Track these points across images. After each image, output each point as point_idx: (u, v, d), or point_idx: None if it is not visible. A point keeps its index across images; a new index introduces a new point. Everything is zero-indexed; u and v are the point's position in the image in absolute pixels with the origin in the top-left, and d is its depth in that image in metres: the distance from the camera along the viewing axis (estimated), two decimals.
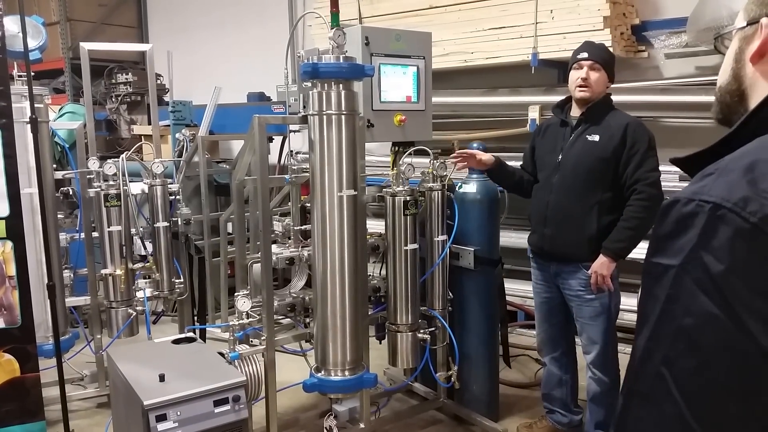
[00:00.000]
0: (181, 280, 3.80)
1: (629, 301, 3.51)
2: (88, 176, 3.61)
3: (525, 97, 4.82)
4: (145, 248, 3.81)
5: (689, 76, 4.52)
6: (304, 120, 2.87)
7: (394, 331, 3.19)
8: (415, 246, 3.14)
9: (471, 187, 3.44)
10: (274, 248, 3.10)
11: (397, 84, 3.16)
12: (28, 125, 2.99)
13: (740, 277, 0.70)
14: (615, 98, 3.08)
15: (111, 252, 3.53)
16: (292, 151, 4.41)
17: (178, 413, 2.46)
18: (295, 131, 3.85)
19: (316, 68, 2.64)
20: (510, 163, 3.40)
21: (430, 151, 3.27)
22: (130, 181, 3.59)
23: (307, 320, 3.23)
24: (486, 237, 3.46)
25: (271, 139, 5.55)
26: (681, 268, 0.75)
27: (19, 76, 3.43)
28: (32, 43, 3.41)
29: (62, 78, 7.79)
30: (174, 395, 2.48)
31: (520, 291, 4.80)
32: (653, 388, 0.77)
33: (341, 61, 2.68)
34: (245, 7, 7.28)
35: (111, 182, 3.50)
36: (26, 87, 3.08)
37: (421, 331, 3.21)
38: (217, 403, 2.55)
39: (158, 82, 6.01)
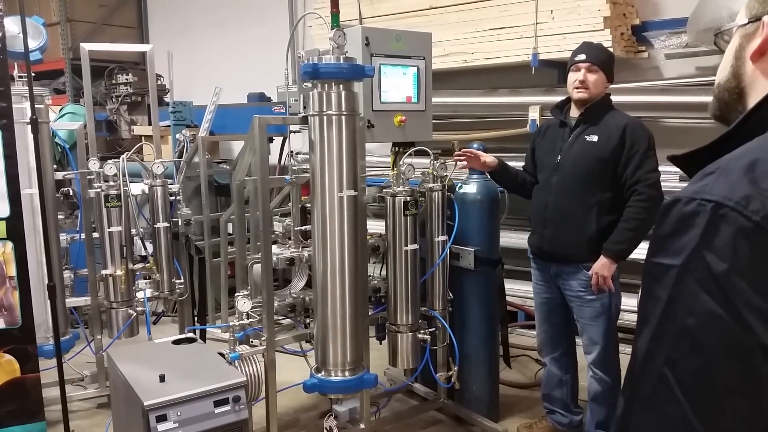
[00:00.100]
0: (182, 280, 3.80)
1: (630, 302, 3.51)
2: (88, 177, 3.61)
3: (525, 98, 4.82)
4: (145, 249, 3.81)
5: (689, 76, 4.52)
6: (305, 120, 2.87)
7: (394, 331, 3.19)
8: (416, 246, 3.14)
9: (471, 188, 3.44)
10: (275, 249, 3.10)
11: (397, 84, 3.16)
12: (29, 126, 2.98)
13: (743, 276, 0.70)
14: (615, 99, 3.08)
15: (111, 252, 3.53)
16: (292, 152, 4.42)
17: (179, 414, 2.46)
18: (295, 132, 3.85)
19: (317, 69, 2.64)
20: (510, 164, 3.41)
21: (430, 151, 3.27)
22: (130, 182, 3.60)
23: (308, 321, 3.23)
24: (486, 237, 3.46)
25: (271, 140, 5.56)
26: (683, 267, 0.74)
27: (20, 77, 3.43)
28: (33, 44, 3.41)
29: (62, 78, 7.79)
30: (174, 396, 2.48)
31: (520, 291, 4.80)
32: (656, 389, 0.76)
33: (341, 61, 2.68)
34: (245, 8, 7.28)
35: (111, 183, 3.50)
36: (27, 88, 3.08)
37: (422, 331, 3.21)
38: (217, 404, 2.55)
39: (158, 82, 6.01)
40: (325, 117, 2.71)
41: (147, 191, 3.69)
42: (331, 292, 2.81)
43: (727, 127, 0.85)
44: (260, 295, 3.03)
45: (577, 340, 3.27)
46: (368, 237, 3.24)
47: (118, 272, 3.53)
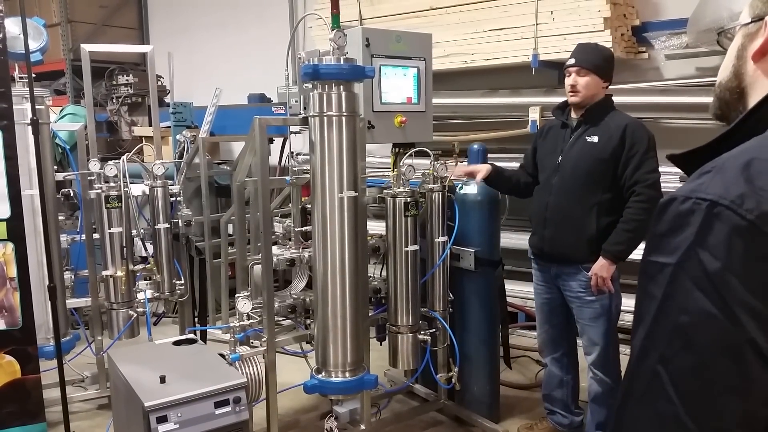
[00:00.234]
0: (182, 281, 3.80)
1: (631, 303, 3.47)
2: (89, 178, 3.62)
3: (525, 99, 4.82)
4: (145, 250, 3.81)
5: (689, 77, 4.52)
6: (305, 121, 2.87)
7: (394, 332, 3.19)
8: (416, 247, 3.14)
9: (471, 189, 3.44)
10: (275, 249, 3.10)
11: (397, 85, 3.16)
12: (29, 127, 2.98)
13: (737, 274, 0.70)
14: (615, 99, 3.07)
15: (112, 253, 3.53)
16: (292, 153, 4.43)
17: (179, 414, 2.46)
18: (295, 132, 3.85)
19: (317, 70, 2.65)
20: (511, 164, 3.41)
21: (430, 152, 3.27)
22: (130, 183, 3.60)
23: (308, 321, 3.23)
24: (486, 238, 3.46)
25: (271, 141, 5.56)
26: (677, 266, 0.75)
27: (20, 78, 3.44)
28: (33, 45, 3.41)
29: (63, 79, 7.80)
30: (175, 396, 2.48)
31: (520, 292, 4.80)
32: (649, 386, 0.76)
33: (342, 62, 2.68)
34: (246, 9, 7.29)
35: (112, 184, 3.50)
36: (27, 89, 3.08)
37: (422, 332, 3.21)
38: (217, 405, 2.55)
39: (159, 83, 6.01)
40: (325, 118, 2.71)
41: (147, 192, 3.69)
42: (332, 293, 2.81)
43: (727, 126, 0.86)
44: (261, 296, 3.03)
45: (578, 340, 3.27)
46: (369, 238, 3.24)
47: (119, 273, 3.53)
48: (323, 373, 2.88)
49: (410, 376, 3.88)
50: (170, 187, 3.71)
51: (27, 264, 2.95)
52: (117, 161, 3.55)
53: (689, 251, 0.73)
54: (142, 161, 4.25)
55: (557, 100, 3.37)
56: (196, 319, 4.23)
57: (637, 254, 2.83)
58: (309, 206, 3.10)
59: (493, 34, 4.83)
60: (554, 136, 3.14)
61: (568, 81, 2.97)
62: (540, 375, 3.81)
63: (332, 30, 2.70)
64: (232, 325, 2.90)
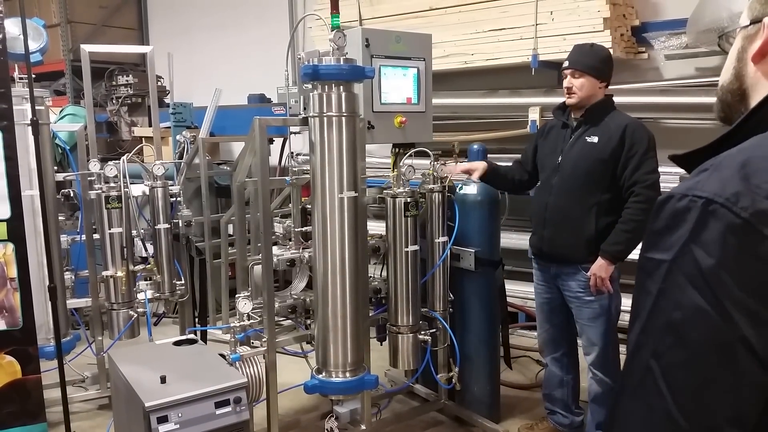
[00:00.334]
0: (182, 281, 3.80)
1: (630, 302, 3.51)
2: (89, 178, 3.62)
3: (525, 99, 4.82)
4: (146, 250, 3.81)
5: (689, 77, 4.52)
6: (305, 122, 2.87)
7: (395, 332, 3.19)
8: (416, 247, 3.14)
9: (471, 189, 3.44)
10: (275, 250, 3.10)
11: (397, 86, 3.16)
12: (29, 127, 2.99)
13: (730, 272, 0.71)
14: (614, 99, 3.08)
15: (112, 254, 3.53)
16: (292, 153, 4.43)
17: (180, 415, 2.46)
18: (295, 133, 3.86)
19: (317, 70, 2.65)
20: (510, 164, 3.41)
21: (430, 152, 3.27)
22: (131, 183, 3.60)
23: (308, 322, 3.24)
24: (486, 238, 3.47)
25: (271, 141, 5.56)
26: (672, 262, 0.75)
27: (20, 79, 3.44)
28: (33, 45, 3.42)
29: (63, 80, 7.80)
30: (175, 397, 2.49)
31: (520, 292, 4.80)
32: (642, 381, 0.77)
33: (341, 63, 2.68)
34: (245, 9, 7.29)
35: (112, 184, 3.50)
36: (27, 89, 3.08)
37: (422, 332, 3.21)
38: (218, 405, 2.56)
39: (159, 83, 6.01)
40: (325, 118, 2.71)
41: (147, 192, 3.69)
42: (332, 293, 2.81)
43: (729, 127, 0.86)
44: (261, 297, 3.03)
45: (578, 340, 3.27)
46: (369, 238, 3.24)
47: (119, 273, 3.53)
48: (324, 374, 2.88)
49: (410, 377, 3.88)
50: (170, 188, 3.72)
51: (27, 264, 2.95)
52: (117, 162, 3.55)
53: (684, 248, 0.74)
54: (142, 162, 4.25)
55: (557, 100, 3.37)
56: (197, 320, 4.23)
57: (638, 255, 2.82)
58: (309, 206, 3.10)
59: (492, 35, 4.83)
60: (555, 136, 3.14)
61: (565, 83, 2.98)
62: (540, 375, 3.81)
63: (332, 30, 2.70)
64: (232, 325, 2.90)
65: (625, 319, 3.29)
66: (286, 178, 3.34)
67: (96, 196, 3.50)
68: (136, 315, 3.58)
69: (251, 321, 2.96)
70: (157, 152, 3.87)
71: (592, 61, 2.96)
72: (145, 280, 3.74)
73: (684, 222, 0.75)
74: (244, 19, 7.28)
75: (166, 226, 3.66)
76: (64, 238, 3.75)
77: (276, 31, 6.71)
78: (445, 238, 3.30)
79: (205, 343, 3.40)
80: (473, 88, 5.30)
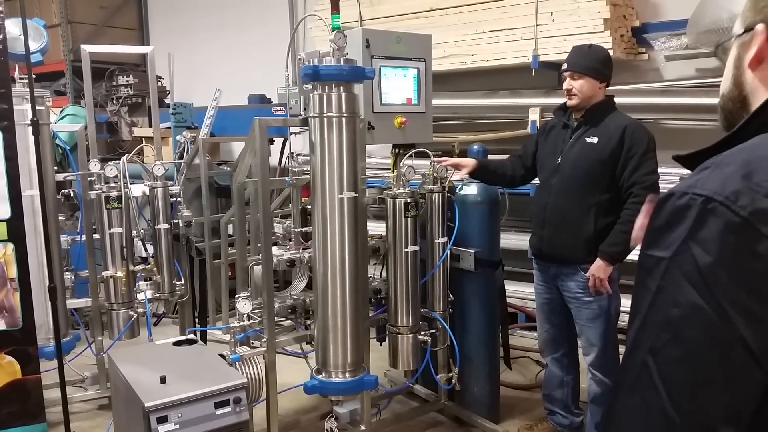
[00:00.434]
0: (182, 282, 3.80)
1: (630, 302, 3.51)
2: (89, 178, 3.62)
3: (525, 99, 4.83)
4: (146, 250, 3.81)
5: (689, 78, 4.53)
6: (305, 122, 2.87)
7: (394, 332, 3.19)
8: (416, 248, 3.14)
9: (471, 189, 3.44)
10: (275, 250, 3.10)
11: (397, 86, 3.17)
12: (30, 127, 2.99)
13: (727, 270, 0.71)
14: (615, 100, 3.08)
15: (112, 254, 3.54)
16: (292, 153, 4.43)
17: (179, 415, 2.46)
18: (295, 133, 3.86)
19: (317, 71, 2.65)
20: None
21: (430, 153, 3.27)
22: (131, 183, 3.60)
23: (308, 322, 3.24)
24: (486, 239, 3.47)
25: (271, 141, 5.56)
26: (671, 260, 0.76)
27: (21, 79, 3.44)
28: (33, 46, 3.42)
29: (63, 80, 7.80)
30: (175, 397, 2.48)
31: (520, 293, 4.80)
32: (638, 377, 0.78)
33: (342, 63, 2.68)
34: (246, 10, 7.29)
35: (112, 184, 3.50)
36: (27, 89, 3.08)
37: (422, 332, 3.21)
38: (218, 405, 2.56)
39: (159, 84, 6.01)
40: (325, 119, 2.71)
41: (148, 193, 3.69)
42: (332, 293, 2.81)
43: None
44: (261, 297, 3.03)
45: (577, 341, 3.27)
46: (369, 238, 3.24)
47: (119, 274, 3.53)
48: (323, 374, 2.88)
49: (410, 377, 3.88)
50: (170, 188, 3.72)
51: (27, 264, 2.95)
52: (117, 162, 3.55)
53: (683, 245, 0.75)
54: (143, 162, 4.25)
55: (557, 101, 3.37)
56: (197, 320, 4.23)
57: (637, 255, 2.82)
58: (309, 207, 3.10)
59: (493, 35, 4.84)
60: (555, 137, 3.14)
61: (565, 85, 2.99)
62: (540, 375, 3.81)
63: (332, 31, 2.70)
64: (232, 325, 2.90)
65: (624, 319, 3.29)
66: (286, 178, 3.34)
67: (96, 197, 3.50)
68: (135, 315, 3.58)
69: (251, 321, 2.96)
70: (158, 152, 3.87)
71: (591, 62, 2.97)
72: (145, 280, 3.74)
73: (683, 220, 0.75)
74: (244, 20, 7.29)
75: (166, 226, 3.66)
76: (64, 238, 3.75)
77: (276, 32, 6.71)
78: (445, 239, 3.30)
79: (205, 343, 3.41)
80: (473, 89, 5.30)
